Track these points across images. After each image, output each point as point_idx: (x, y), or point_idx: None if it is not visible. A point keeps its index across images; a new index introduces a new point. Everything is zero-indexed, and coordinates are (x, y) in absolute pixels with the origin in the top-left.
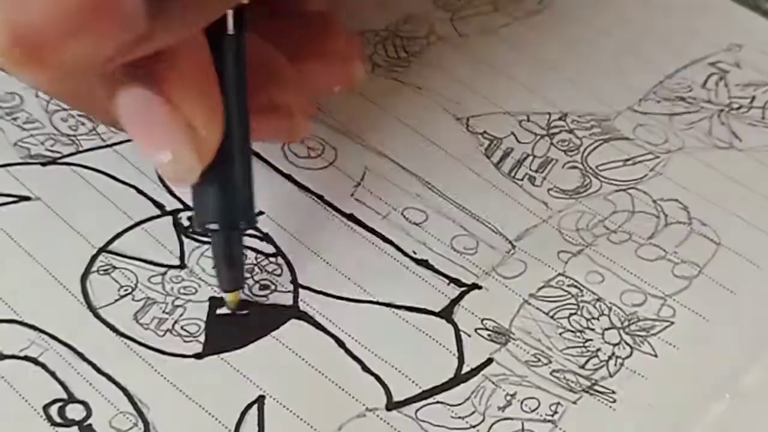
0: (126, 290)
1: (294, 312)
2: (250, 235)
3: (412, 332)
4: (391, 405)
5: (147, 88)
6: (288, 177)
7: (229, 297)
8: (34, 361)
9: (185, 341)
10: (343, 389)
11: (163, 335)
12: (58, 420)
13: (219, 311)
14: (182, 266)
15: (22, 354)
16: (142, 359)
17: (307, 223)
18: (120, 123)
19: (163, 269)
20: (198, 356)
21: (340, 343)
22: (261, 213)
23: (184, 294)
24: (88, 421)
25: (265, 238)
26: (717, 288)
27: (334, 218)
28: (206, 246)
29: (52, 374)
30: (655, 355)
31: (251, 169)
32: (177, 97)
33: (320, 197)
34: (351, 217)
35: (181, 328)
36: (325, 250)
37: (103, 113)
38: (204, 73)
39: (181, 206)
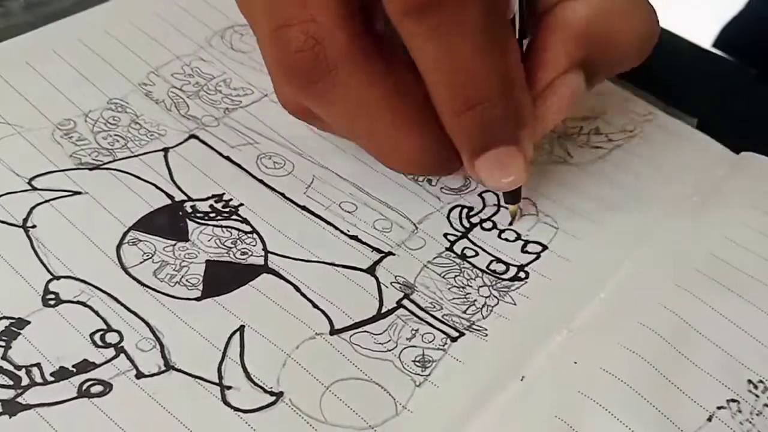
0: (147, 256)
1: (265, 268)
2: (234, 220)
3: (347, 282)
4: (333, 331)
5: (502, 148)
6: (261, 181)
7: (511, 208)
8: (83, 304)
9: (189, 289)
10: (299, 320)
11: (174, 286)
12: (100, 343)
13: None
14: (186, 240)
15: (75, 299)
16: (158, 302)
17: (273, 212)
18: (467, 171)
19: (173, 242)
20: (198, 299)
21: (297, 289)
22: (241, 204)
23: (188, 258)
24: (121, 344)
25: (244, 221)
26: (557, 258)
27: (292, 208)
28: (203, 226)
29: (96, 312)
30: (514, 304)
31: None
32: (525, 145)
33: (282, 194)
34: (304, 208)
35: (186, 280)
36: (286, 229)
37: (449, 172)
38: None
39: (186, 198)
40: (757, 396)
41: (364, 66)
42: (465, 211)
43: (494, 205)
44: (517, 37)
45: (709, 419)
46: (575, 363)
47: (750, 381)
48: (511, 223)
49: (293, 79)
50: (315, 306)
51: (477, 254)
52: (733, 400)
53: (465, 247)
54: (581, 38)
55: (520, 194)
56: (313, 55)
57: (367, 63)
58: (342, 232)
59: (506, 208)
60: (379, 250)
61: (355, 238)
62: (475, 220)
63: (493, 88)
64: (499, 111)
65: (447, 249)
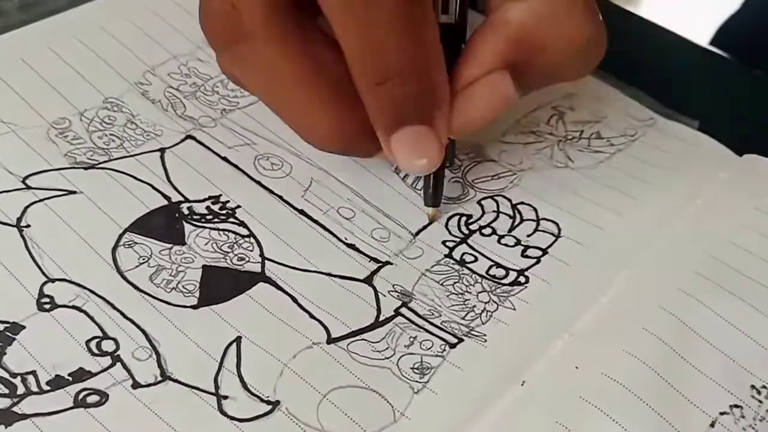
0: (143, 259)
1: (262, 277)
2: (231, 223)
3: (344, 293)
4: (330, 340)
5: (420, 125)
6: (258, 183)
7: (430, 212)
8: (79, 309)
9: (185, 296)
10: (296, 330)
11: (170, 292)
12: (96, 351)
13: None
14: (183, 243)
15: (70, 304)
16: (155, 309)
17: (271, 215)
18: (384, 152)
19: (169, 245)
20: (194, 307)
21: (294, 300)
22: (239, 206)
23: (185, 263)
24: (118, 353)
25: (242, 224)
26: (557, 262)
27: (290, 212)
28: (200, 229)
29: (92, 318)
30: (514, 309)
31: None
32: (438, 126)
33: (280, 197)
34: (302, 212)
35: (183, 286)
36: (284, 234)
37: (366, 153)
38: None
39: (182, 199)
40: (760, 401)
41: (280, 38)
42: (464, 219)
43: (493, 212)
44: (439, 17)
45: (712, 425)
46: (576, 368)
47: (753, 386)
48: (424, 228)
49: (212, 40)
50: (312, 316)
51: (476, 259)
52: (736, 406)
53: (464, 253)
54: (513, 40)
55: (440, 198)
56: (229, 19)
57: (283, 35)
58: (340, 240)
59: (505, 214)
60: (376, 260)
61: (352, 246)
62: (474, 227)
63: (407, 64)
64: (411, 87)
65: (446, 256)
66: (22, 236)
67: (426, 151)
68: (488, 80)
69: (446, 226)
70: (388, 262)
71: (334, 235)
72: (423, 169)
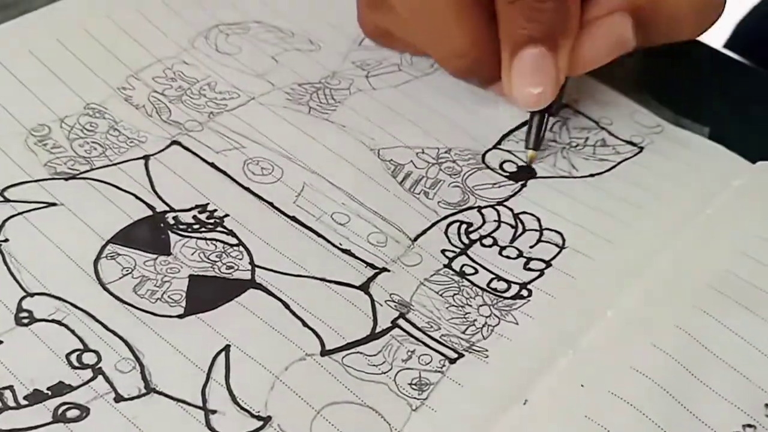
0: (127, 270)
1: (252, 284)
2: (219, 232)
3: (339, 300)
4: (324, 352)
5: (544, 51)
6: (247, 189)
7: (530, 153)
8: (59, 322)
9: (171, 306)
10: (288, 339)
11: (155, 302)
12: (76, 364)
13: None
14: (168, 253)
15: (50, 318)
16: (139, 319)
17: (261, 224)
18: (503, 78)
19: (154, 255)
20: (180, 316)
21: (286, 306)
22: (227, 215)
23: (170, 273)
24: (99, 365)
25: (230, 233)
26: (561, 275)
27: (281, 219)
28: (186, 239)
29: (72, 331)
30: (517, 323)
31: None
32: (560, 56)
33: (270, 203)
34: (294, 219)
35: (168, 297)
36: (274, 242)
37: (488, 74)
38: (573, 39)
39: (167, 209)
40: None
41: None
42: (464, 227)
43: (494, 221)
44: None
45: None
46: (582, 386)
47: (767, 405)
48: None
49: None
50: (305, 324)
51: (477, 272)
52: (750, 425)
53: (464, 264)
54: None
55: (541, 141)
56: None
57: None
58: (334, 245)
59: (507, 223)
60: (373, 266)
61: (347, 252)
62: (474, 236)
63: None
64: (548, 5)
65: (445, 266)
66: (0, 251)
67: (544, 79)
68: (611, 20)
69: (446, 233)
70: (385, 269)
71: (329, 241)
72: (536, 100)
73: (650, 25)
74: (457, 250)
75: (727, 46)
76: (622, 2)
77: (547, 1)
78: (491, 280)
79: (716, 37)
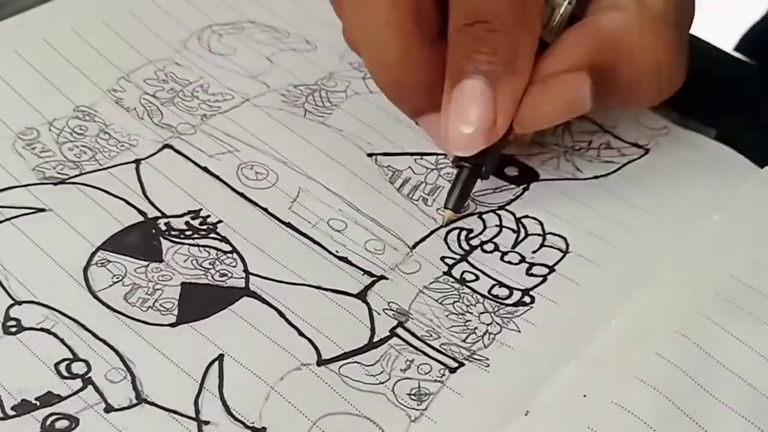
0: (117, 278)
1: (246, 291)
2: (212, 239)
3: (336, 308)
4: (320, 362)
5: (485, 85)
6: (241, 194)
7: (447, 214)
8: (48, 331)
9: (162, 314)
10: (283, 349)
11: (146, 311)
12: (65, 374)
13: None
14: (160, 260)
15: (39, 326)
16: (129, 328)
17: (255, 229)
18: (443, 108)
19: (145, 262)
20: (172, 325)
21: (281, 314)
22: (220, 221)
23: (162, 280)
24: (89, 375)
25: (224, 240)
26: (565, 281)
27: (275, 225)
28: (178, 245)
29: (62, 340)
30: (519, 331)
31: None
32: (501, 96)
33: (265, 209)
34: (289, 225)
35: (160, 305)
36: (269, 248)
37: (420, 100)
38: (523, 87)
39: (159, 214)
40: None
41: None
42: (464, 233)
43: (496, 226)
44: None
45: None
46: (585, 396)
47: None
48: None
49: None
50: (301, 333)
51: (477, 278)
52: None
53: (464, 271)
54: (601, 43)
55: (462, 203)
56: None
57: None
58: (330, 252)
59: (508, 228)
60: (370, 274)
61: (344, 259)
62: (475, 242)
63: (503, 15)
64: (498, 37)
65: (445, 273)
66: None
67: (479, 117)
68: (569, 77)
69: (445, 240)
70: (383, 277)
71: (324, 248)
72: (466, 142)
73: (609, 87)
74: (458, 257)
75: (737, 49)
76: (581, 61)
77: (497, 32)
78: (492, 287)
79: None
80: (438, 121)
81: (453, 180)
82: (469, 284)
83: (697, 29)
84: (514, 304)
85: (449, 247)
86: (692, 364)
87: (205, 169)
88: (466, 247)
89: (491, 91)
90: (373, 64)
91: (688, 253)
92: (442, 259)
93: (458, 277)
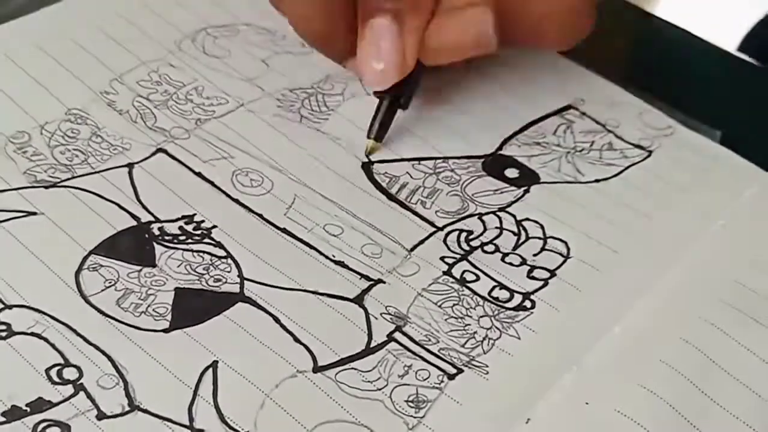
0: (110, 282)
1: (241, 297)
2: (207, 244)
3: (332, 313)
4: (317, 369)
5: (390, 22)
6: (236, 201)
7: (369, 143)
8: (38, 336)
9: (156, 320)
10: (279, 355)
11: (139, 316)
12: (56, 380)
13: None
14: (153, 265)
15: (29, 331)
16: (122, 333)
17: (250, 234)
18: (359, 47)
19: (138, 267)
20: (166, 331)
21: (277, 320)
22: (215, 226)
23: (155, 285)
24: (81, 381)
25: (218, 245)
26: (566, 286)
27: (270, 230)
28: (172, 250)
29: (53, 345)
30: (519, 338)
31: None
32: (407, 33)
33: (260, 215)
34: (284, 230)
35: (153, 310)
36: (264, 253)
37: (342, 46)
38: (425, 21)
39: (152, 219)
40: None
41: None
42: (464, 235)
43: (496, 227)
44: None
45: None
46: (587, 404)
47: None
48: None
49: None
50: (296, 340)
51: (478, 278)
52: None
53: (465, 270)
54: None
55: (383, 132)
56: None
57: None
58: (326, 257)
59: (509, 230)
60: (367, 278)
61: (341, 264)
62: (475, 243)
63: None
64: None
65: (444, 273)
66: None
67: (388, 53)
68: (471, 11)
69: (445, 241)
70: (380, 281)
71: (321, 253)
72: (380, 78)
73: (513, 24)
74: (458, 257)
75: (741, 49)
76: None
77: None
78: (493, 288)
79: (730, 40)
80: None
81: (374, 112)
82: (469, 285)
83: (700, 30)
84: (514, 308)
85: (449, 248)
86: (696, 371)
87: (200, 175)
88: (467, 248)
89: (396, 28)
90: (295, 17)
91: (691, 258)
92: (442, 259)
93: (458, 277)
